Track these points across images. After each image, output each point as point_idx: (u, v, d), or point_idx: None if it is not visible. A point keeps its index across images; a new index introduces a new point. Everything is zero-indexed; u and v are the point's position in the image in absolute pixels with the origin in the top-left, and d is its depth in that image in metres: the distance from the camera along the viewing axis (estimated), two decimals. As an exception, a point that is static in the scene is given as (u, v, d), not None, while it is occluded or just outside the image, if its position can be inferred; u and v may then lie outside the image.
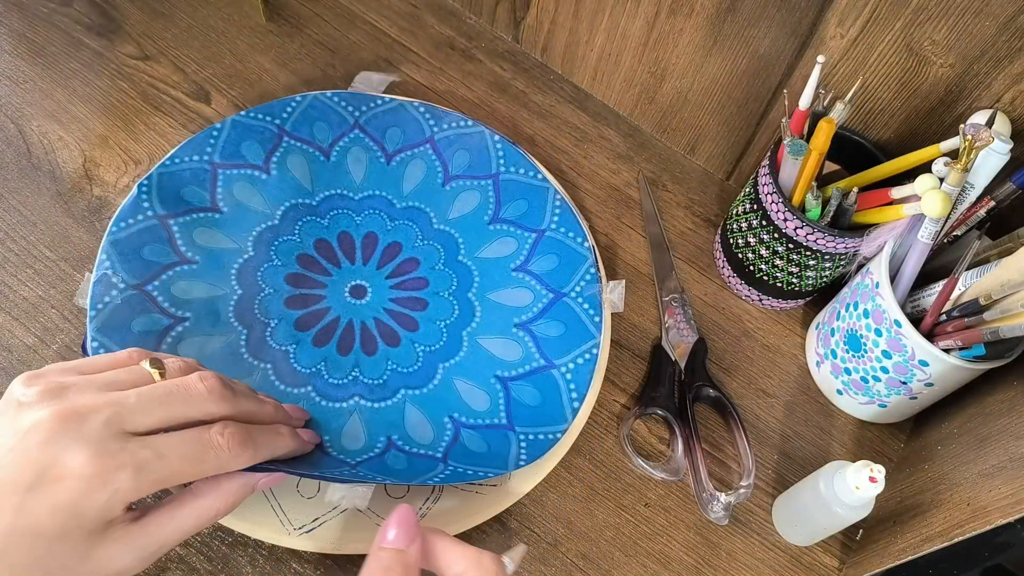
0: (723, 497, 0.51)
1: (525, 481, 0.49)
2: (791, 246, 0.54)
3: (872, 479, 0.44)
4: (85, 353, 0.47)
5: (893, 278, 0.51)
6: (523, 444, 0.48)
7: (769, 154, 0.54)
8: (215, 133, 0.55)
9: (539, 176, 0.58)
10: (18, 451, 0.34)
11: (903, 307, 0.50)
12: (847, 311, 0.54)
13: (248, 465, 0.38)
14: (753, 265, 0.57)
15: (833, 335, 0.55)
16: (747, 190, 0.57)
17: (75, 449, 0.34)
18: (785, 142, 0.51)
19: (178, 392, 0.37)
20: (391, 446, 0.48)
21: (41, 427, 0.34)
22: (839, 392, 0.57)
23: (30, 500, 0.33)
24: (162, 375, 0.38)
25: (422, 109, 0.59)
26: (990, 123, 0.46)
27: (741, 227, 0.57)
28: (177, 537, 0.37)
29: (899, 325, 0.49)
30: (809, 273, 0.55)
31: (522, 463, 0.47)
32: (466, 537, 0.49)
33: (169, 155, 0.54)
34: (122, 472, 0.34)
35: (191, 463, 0.36)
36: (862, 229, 0.52)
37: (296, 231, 0.55)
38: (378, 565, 0.36)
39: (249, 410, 0.40)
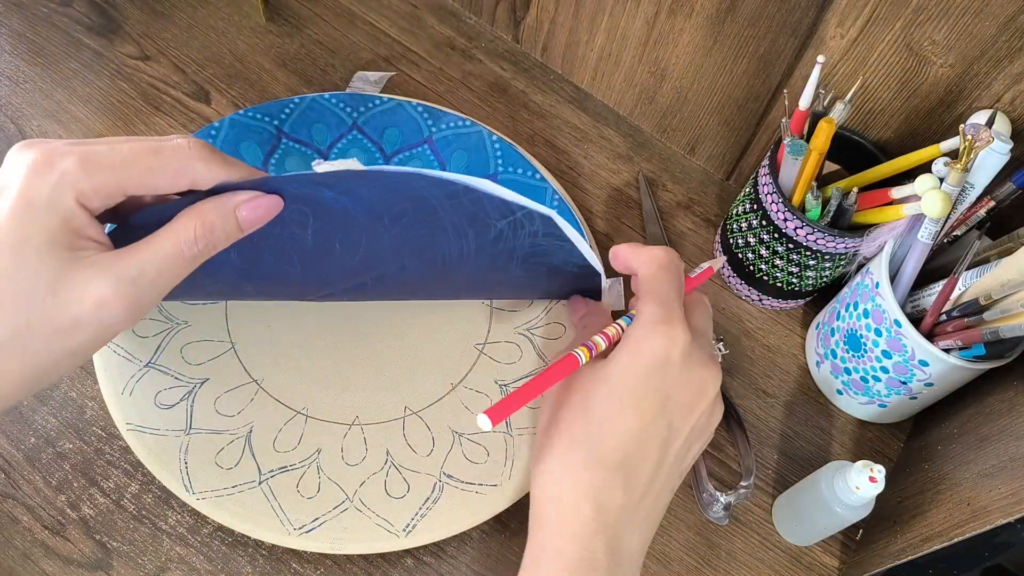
0: (723, 497, 0.51)
1: (525, 481, 0.49)
2: (791, 246, 0.54)
3: (872, 479, 0.44)
4: None
5: (893, 278, 0.51)
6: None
7: (769, 154, 0.54)
8: (213, 132, 0.55)
9: (537, 176, 0.58)
10: None
11: (903, 307, 0.50)
12: (847, 311, 0.53)
13: (217, 176, 0.37)
14: (753, 265, 0.57)
15: (833, 335, 0.55)
16: (747, 190, 0.57)
17: (27, 158, 0.34)
18: (785, 142, 0.51)
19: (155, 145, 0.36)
20: None
21: (8, 163, 0.35)
22: (839, 392, 0.57)
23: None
24: None
25: (420, 109, 0.59)
26: (990, 123, 0.46)
27: (741, 227, 0.57)
28: (156, 266, 0.36)
29: (899, 325, 0.49)
30: (809, 273, 0.55)
31: None
32: (466, 537, 0.49)
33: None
34: (68, 158, 0.34)
35: (145, 153, 0.35)
36: (862, 229, 0.52)
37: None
38: (577, 328, 0.50)
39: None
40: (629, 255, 0.45)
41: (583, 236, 0.47)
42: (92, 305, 0.34)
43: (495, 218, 0.44)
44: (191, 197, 0.38)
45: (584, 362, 0.41)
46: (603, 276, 0.51)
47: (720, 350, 0.51)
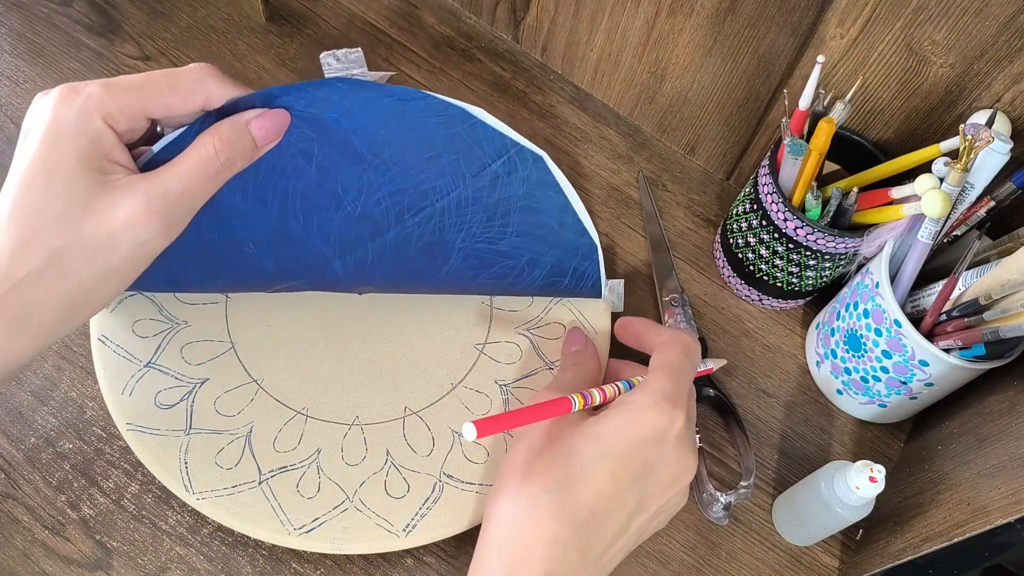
0: (723, 497, 0.51)
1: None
2: (791, 246, 0.54)
3: (872, 479, 0.44)
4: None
5: (893, 278, 0.51)
6: None
7: (769, 154, 0.54)
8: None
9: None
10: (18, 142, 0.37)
11: (903, 307, 0.50)
12: (847, 311, 0.53)
13: (228, 92, 0.40)
14: (753, 265, 0.57)
15: (833, 335, 0.55)
16: (747, 190, 0.57)
17: (53, 92, 0.37)
18: (785, 142, 0.51)
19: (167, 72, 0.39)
20: None
21: (35, 103, 0.37)
22: (839, 392, 0.57)
23: (19, 149, 0.36)
24: None
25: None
26: (990, 123, 0.46)
27: (741, 227, 0.57)
28: (182, 184, 0.38)
29: (899, 325, 0.49)
30: (809, 273, 0.55)
31: None
32: (466, 537, 0.49)
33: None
34: (91, 85, 0.37)
35: (161, 75, 0.39)
36: (862, 229, 0.52)
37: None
38: (566, 361, 0.49)
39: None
40: (644, 332, 0.46)
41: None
42: (125, 221, 0.36)
43: (491, 156, 0.45)
44: (206, 123, 0.40)
45: (576, 410, 0.41)
46: (599, 249, 0.52)
47: (697, 441, 0.52)
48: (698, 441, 0.53)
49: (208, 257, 0.47)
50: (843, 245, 0.52)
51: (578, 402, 0.41)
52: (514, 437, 0.43)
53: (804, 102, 0.51)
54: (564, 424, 0.41)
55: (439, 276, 0.51)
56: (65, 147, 0.36)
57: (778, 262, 0.55)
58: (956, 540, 0.43)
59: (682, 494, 0.42)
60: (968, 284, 0.48)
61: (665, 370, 0.42)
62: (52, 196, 0.35)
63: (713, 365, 0.51)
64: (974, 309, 0.47)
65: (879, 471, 0.44)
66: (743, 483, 0.52)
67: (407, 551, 0.49)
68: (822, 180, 0.56)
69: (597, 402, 0.42)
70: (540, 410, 0.40)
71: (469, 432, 0.36)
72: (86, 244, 0.36)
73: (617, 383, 0.43)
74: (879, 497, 0.46)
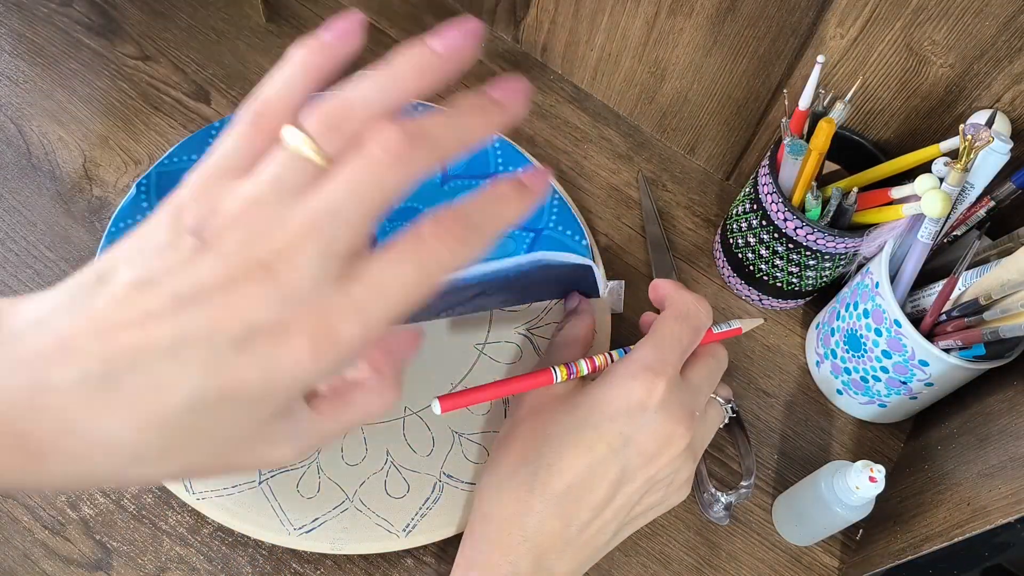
0: (724, 497, 0.51)
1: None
2: (791, 246, 0.54)
3: (872, 479, 0.44)
4: None
5: (893, 278, 0.51)
6: None
7: (769, 154, 0.54)
8: (214, 132, 0.55)
9: (539, 176, 0.58)
10: (197, 303, 0.25)
11: (903, 307, 0.50)
12: (847, 311, 0.53)
13: (476, 241, 0.27)
14: (753, 265, 0.57)
15: (833, 335, 0.55)
16: (747, 190, 0.57)
17: (282, 303, 0.25)
18: (785, 142, 0.51)
19: (366, 179, 0.26)
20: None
21: (221, 278, 0.25)
22: (839, 392, 0.57)
23: (233, 358, 0.25)
24: (326, 158, 0.27)
25: (420, 109, 0.59)
26: (990, 123, 0.46)
27: (741, 227, 0.57)
28: (341, 432, 0.31)
29: (899, 325, 0.49)
30: (809, 273, 0.55)
31: None
32: (466, 537, 0.49)
33: (167, 154, 0.54)
34: (346, 322, 0.26)
35: (414, 276, 0.26)
36: (862, 229, 0.52)
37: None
38: (562, 323, 0.51)
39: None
40: (666, 294, 0.44)
41: (581, 230, 0.48)
42: (272, 461, 0.29)
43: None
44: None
45: (559, 380, 0.41)
46: (594, 267, 0.51)
47: (728, 411, 0.49)
48: (732, 410, 0.53)
49: None
50: (843, 245, 0.52)
51: (560, 374, 0.41)
52: (510, 411, 0.44)
53: (804, 102, 0.51)
54: (550, 396, 0.42)
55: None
56: (284, 389, 0.26)
57: (778, 262, 0.55)
58: (956, 540, 0.43)
59: (676, 463, 0.40)
60: (968, 284, 0.48)
61: (652, 338, 0.41)
62: (224, 427, 0.26)
63: (741, 325, 0.47)
64: (974, 309, 0.47)
65: (879, 471, 0.44)
66: (744, 483, 0.52)
67: (407, 551, 0.49)
68: (822, 180, 0.56)
69: (585, 372, 0.42)
70: (515, 383, 0.41)
71: (435, 407, 0.39)
72: (223, 469, 0.28)
73: (611, 352, 0.43)
74: (879, 497, 0.46)
